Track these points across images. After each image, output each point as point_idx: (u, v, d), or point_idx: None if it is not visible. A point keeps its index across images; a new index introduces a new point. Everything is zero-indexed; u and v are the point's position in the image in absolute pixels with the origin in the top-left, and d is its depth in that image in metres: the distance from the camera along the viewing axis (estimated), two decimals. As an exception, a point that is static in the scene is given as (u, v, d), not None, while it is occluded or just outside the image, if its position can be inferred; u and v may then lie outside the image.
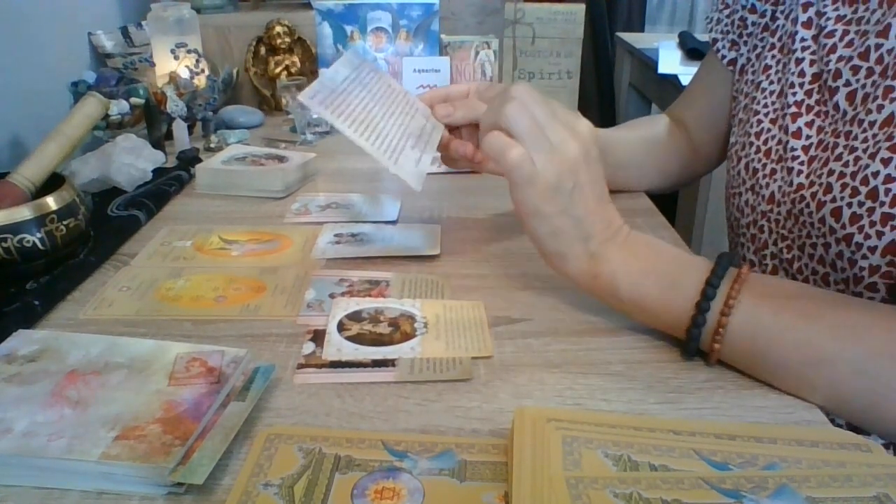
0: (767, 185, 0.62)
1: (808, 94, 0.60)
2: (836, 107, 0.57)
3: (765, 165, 0.63)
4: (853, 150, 0.53)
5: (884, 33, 0.53)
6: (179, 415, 0.40)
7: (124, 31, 1.18)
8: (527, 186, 0.48)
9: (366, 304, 0.56)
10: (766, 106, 0.64)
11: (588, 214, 0.49)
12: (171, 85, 1.02)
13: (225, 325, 0.54)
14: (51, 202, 0.60)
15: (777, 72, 0.65)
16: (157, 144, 0.90)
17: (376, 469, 0.38)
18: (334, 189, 0.84)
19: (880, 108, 0.52)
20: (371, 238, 0.69)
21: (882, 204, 0.49)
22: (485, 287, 0.60)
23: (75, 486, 0.38)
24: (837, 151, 0.55)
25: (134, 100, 0.91)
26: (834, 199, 0.53)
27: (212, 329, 0.53)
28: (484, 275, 0.62)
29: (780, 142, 0.62)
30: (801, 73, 0.61)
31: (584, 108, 0.94)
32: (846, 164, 0.53)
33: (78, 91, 0.93)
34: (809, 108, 0.60)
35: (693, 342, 0.47)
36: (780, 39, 0.66)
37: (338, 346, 0.50)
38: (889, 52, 0.53)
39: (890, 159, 0.49)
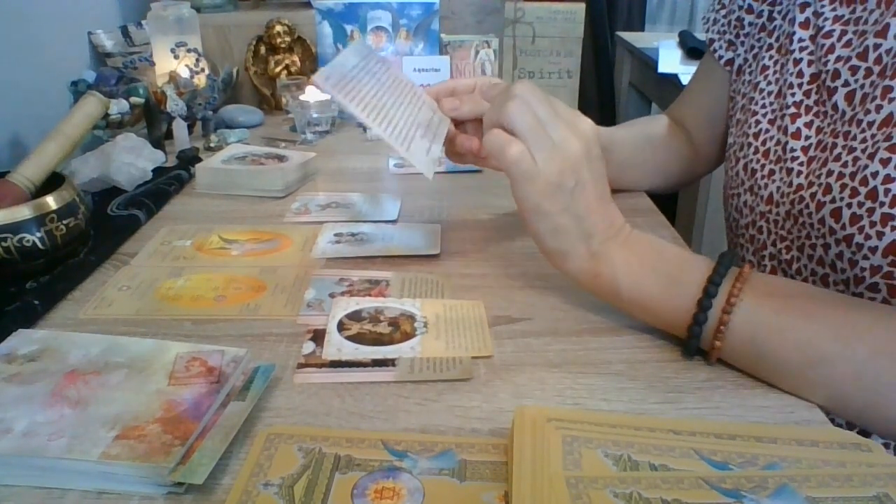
0: (766, 185, 0.62)
1: (807, 94, 0.60)
2: (835, 107, 0.57)
3: (763, 166, 0.63)
4: (852, 150, 0.53)
5: (882, 33, 0.53)
6: (179, 414, 0.40)
7: (124, 31, 1.18)
8: (526, 183, 0.49)
9: (366, 303, 0.56)
10: (764, 107, 0.64)
11: (589, 213, 0.49)
12: (171, 84, 1.02)
13: (225, 325, 0.54)
14: (51, 202, 0.60)
15: (775, 72, 0.65)
16: (157, 144, 0.90)
17: (376, 469, 0.38)
18: (334, 189, 0.84)
19: (879, 108, 0.52)
20: (371, 238, 0.69)
21: (882, 204, 0.49)
22: (485, 287, 0.60)
23: (75, 486, 0.38)
24: (836, 152, 0.55)
25: (134, 99, 0.91)
26: (833, 200, 0.53)
27: (212, 329, 0.53)
28: (484, 274, 0.62)
29: (778, 142, 0.62)
30: (800, 74, 0.61)
31: (584, 107, 0.93)
32: (845, 165, 0.53)
33: (78, 90, 0.93)
34: (808, 109, 0.60)
35: (694, 340, 0.47)
36: (777, 40, 0.66)
37: (338, 346, 0.50)
38: (888, 52, 0.53)
39: (889, 159, 0.49)
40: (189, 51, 1.05)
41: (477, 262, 0.65)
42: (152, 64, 1.06)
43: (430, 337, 0.52)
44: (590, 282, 0.51)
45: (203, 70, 1.06)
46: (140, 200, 0.76)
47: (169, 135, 0.97)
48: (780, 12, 0.67)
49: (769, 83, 0.65)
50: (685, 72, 1.58)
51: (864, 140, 0.52)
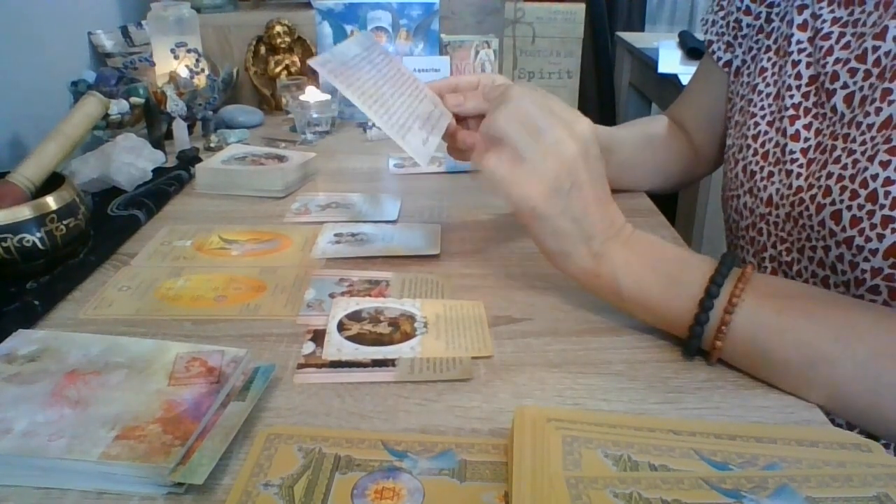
0: (765, 187, 0.62)
1: (806, 96, 0.60)
2: (834, 109, 0.57)
3: (762, 168, 0.63)
4: (851, 152, 0.53)
5: (881, 35, 0.53)
6: (179, 415, 0.40)
7: (124, 31, 1.19)
8: (511, 188, 0.49)
9: (366, 303, 0.56)
10: (762, 108, 0.64)
11: (588, 214, 0.49)
12: (171, 84, 1.02)
13: (225, 325, 0.54)
14: (51, 202, 0.60)
15: (773, 74, 0.65)
16: (157, 144, 0.90)
17: (376, 469, 0.38)
18: (334, 189, 0.84)
19: (878, 110, 0.52)
20: (371, 238, 0.69)
21: (882, 206, 0.49)
22: (485, 287, 0.60)
23: (75, 486, 0.38)
24: (836, 154, 0.55)
25: (134, 99, 0.91)
26: (833, 202, 0.53)
27: (212, 329, 0.53)
28: (484, 274, 0.62)
29: (777, 144, 0.62)
30: (798, 76, 0.61)
31: (584, 107, 0.93)
32: (845, 167, 0.53)
33: (78, 90, 0.93)
34: (807, 111, 0.60)
35: (695, 340, 0.47)
36: (775, 41, 0.66)
37: (338, 346, 0.50)
38: (886, 54, 0.53)
39: (889, 162, 0.49)
40: (189, 51, 1.06)
41: (477, 262, 0.65)
42: (152, 64, 1.06)
43: (430, 337, 0.52)
44: (591, 282, 0.51)
45: (203, 70, 1.06)
46: (140, 201, 0.76)
47: (169, 135, 0.97)
48: (777, 14, 0.67)
49: (767, 85, 0.65)
50: (685, 72, 1.58)
51: (863, 142, 0.52)
